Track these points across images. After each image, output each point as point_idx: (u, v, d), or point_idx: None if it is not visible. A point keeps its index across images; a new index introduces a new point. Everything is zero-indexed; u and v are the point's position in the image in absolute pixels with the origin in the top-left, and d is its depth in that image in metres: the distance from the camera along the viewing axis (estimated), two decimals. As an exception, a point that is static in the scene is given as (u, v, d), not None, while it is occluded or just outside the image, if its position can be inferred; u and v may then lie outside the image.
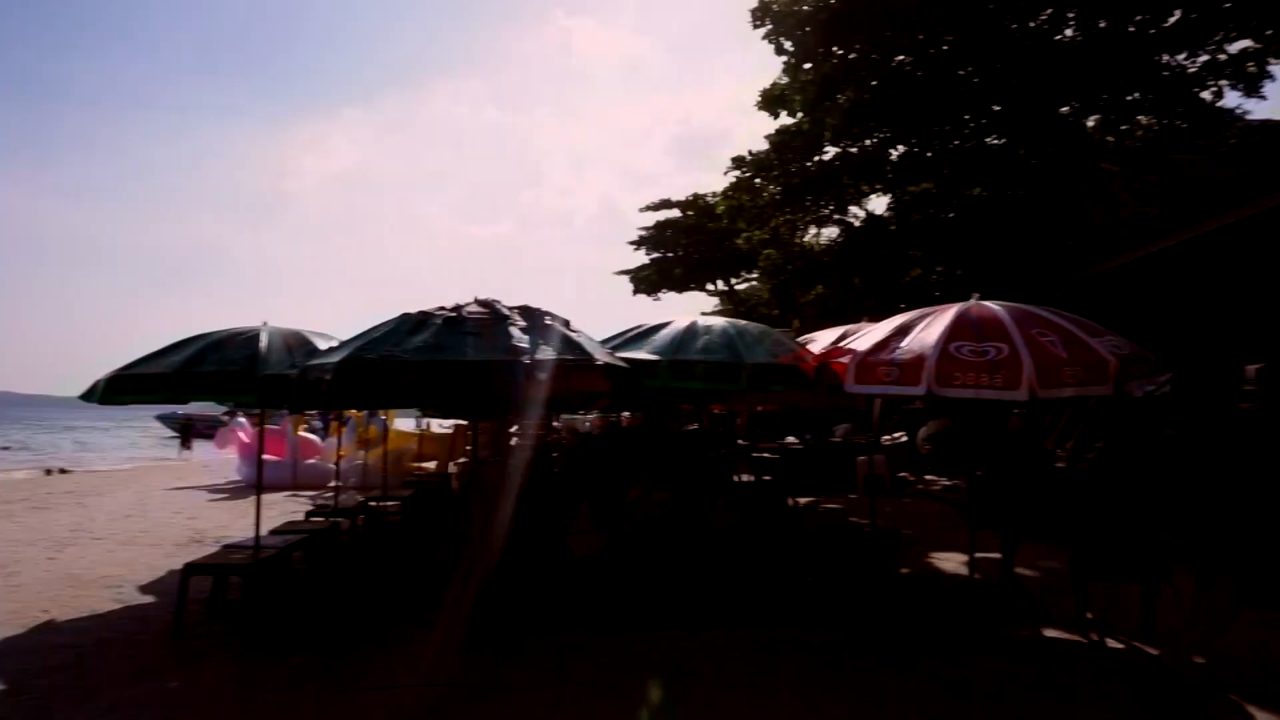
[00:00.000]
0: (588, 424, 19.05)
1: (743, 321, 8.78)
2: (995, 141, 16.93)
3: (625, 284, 33.87)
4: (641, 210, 32.86)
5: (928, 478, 15.24)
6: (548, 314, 7.18)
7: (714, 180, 45.94)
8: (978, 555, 7.01)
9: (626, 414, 15.81)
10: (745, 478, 11.52)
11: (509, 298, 7.18)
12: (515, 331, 6.55)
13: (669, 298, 34.46)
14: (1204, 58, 16.55)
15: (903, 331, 6.55)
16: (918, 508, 12.62)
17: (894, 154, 18.34)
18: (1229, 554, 4.87)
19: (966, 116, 16.80)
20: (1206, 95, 16.48)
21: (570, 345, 6.66)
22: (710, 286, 34.22)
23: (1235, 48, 16.90)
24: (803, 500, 9.12)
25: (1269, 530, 5.33)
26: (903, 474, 15.15)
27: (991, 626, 6.31)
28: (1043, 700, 4.97)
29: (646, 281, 32.77)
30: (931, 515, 11.54)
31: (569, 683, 5.45)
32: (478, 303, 7.03)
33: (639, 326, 8.24)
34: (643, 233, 32.68)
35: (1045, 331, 5.86)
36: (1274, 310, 9.92)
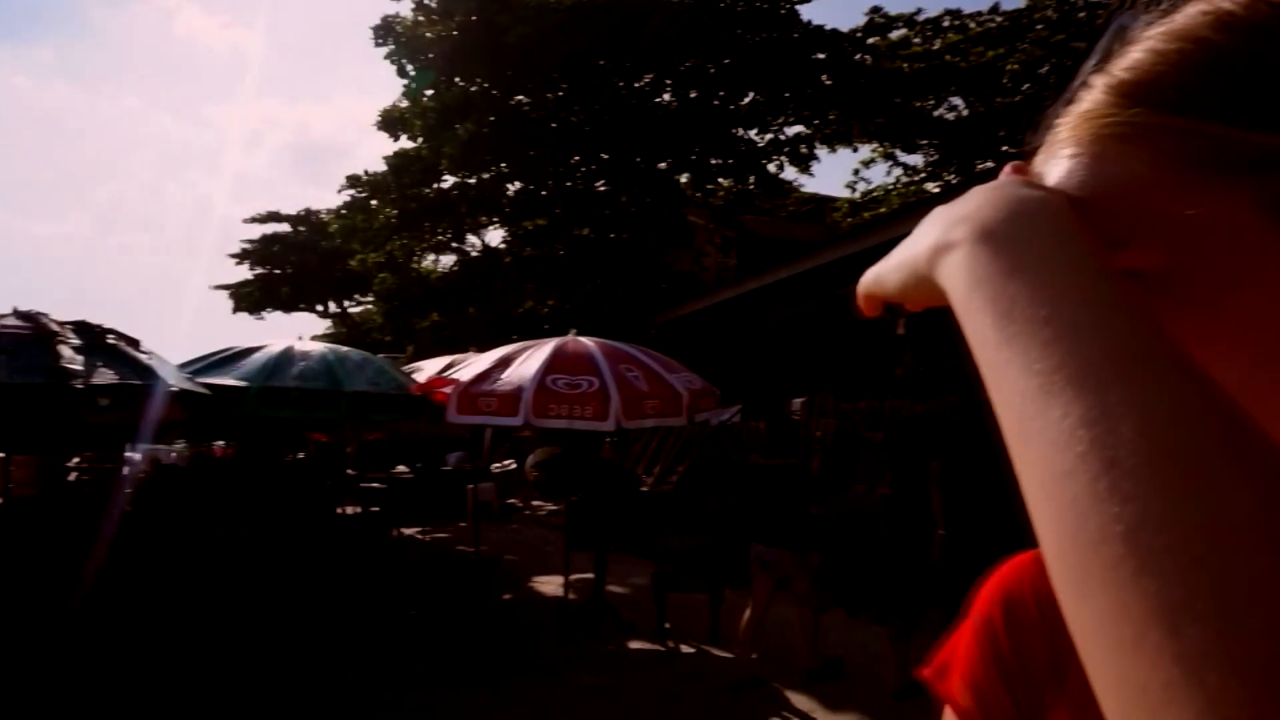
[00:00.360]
0: (174, 454, 16.96)
1: (344, 348, 8.46)
2: (603, 187, 18.30)
3: (225, 300, 30.99)
4: (246, 221, 30.40)
5: (535, 503, 15.82)
6: (111, 331, 6.31)
7: (329, 196, 43.93)
8: (575, 577, 7.39)
9: (220, 444, 14.36)
10: (351, 509, 11.05)
11: (78, 310, 6.18)
12: (65, 351, 5.65)
13: (275, 318, 32.23)
14: (769, 136, 19.47)
15: (504, 364, 6.77)
16: (524, 533, 13.03)
17: (511, 189, 19.01)
18: (807, 562, 5.66)
19: (577, 160, 17.97)
20: (772, 167, 19.41)
21: (135, 368, 5.92)
22: (321, 308, 32.54)
23: (792, 131, 20.15)
24: (410, 530, 8.95)
25: (837, 540, 6.30)
26: (511, 500, 15.56)
27: (582, 643, 6.67)
28: (618, 706, 5.34)
29: (249, 299, 30.24)
30: (537, 540, 11.98)
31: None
32: (17, 315, 5.95)
33: (229, 349, 7.59)
34: (247, 245, 30.17)
35: (631, 367, 6.41)
36: (812, 353, 11.82)
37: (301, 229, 29.70)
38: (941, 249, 0.39)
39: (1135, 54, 0.44)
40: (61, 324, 5.97)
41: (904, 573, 5.45)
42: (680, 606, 6.85)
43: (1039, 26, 21.88)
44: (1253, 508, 0.27)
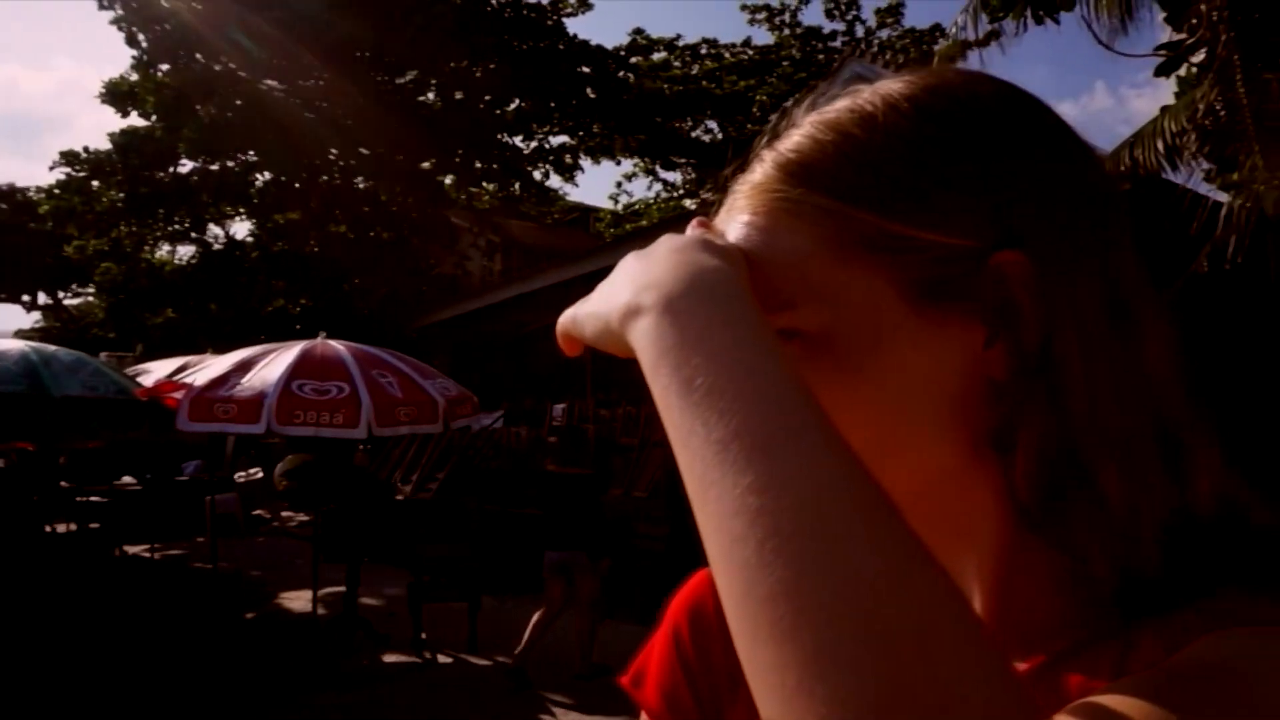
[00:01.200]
0: None
1: (51, 347, 7.58)
2: (362, 183, 17.61)
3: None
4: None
5: (284, 514, 14.88)
6: None
7: (38, 172, 38.80)
8: (326, 590, 7.08)
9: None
10: (64, 527, 9.84)
11: None
12: None
13: (-33, 308, 27.90)
14: (535, 143, 19.68)
15: (245, 367, 6.38)
16: (273, 546, 12.23)
17: (260, 179, 17.79)
18: (599, 568, 5.78)
19: (335, 154, 17.17)
20: (537, 174, 19.62)
21: None
22: (28, 298, 28.62)
23: (557, 140, 20.50)
24: (137, 548, 8.14)
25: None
26: (258, 512, 14.54)
27: (332, 660, 6.41)
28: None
29: (-63, 287, 26.03)
30: (286, 553, 11.30)
31: None
32: None
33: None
34: (-69, 223, 25.91)
35: (384, 373, 6.28)
36: (573, 360, 12.09)
37: (4, 207, 25.96)
38: (632, 313, 0.42)
39: (798, 137, 0.51)
40: None
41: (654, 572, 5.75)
42: (438, 616, 6.78)
43: (785, 63, 23.82)
44: (882, 569, 0.32)
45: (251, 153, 16.92)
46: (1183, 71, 5.83)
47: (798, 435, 0.35)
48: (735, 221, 0.50)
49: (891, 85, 0.50)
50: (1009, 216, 0.46)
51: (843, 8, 23.77)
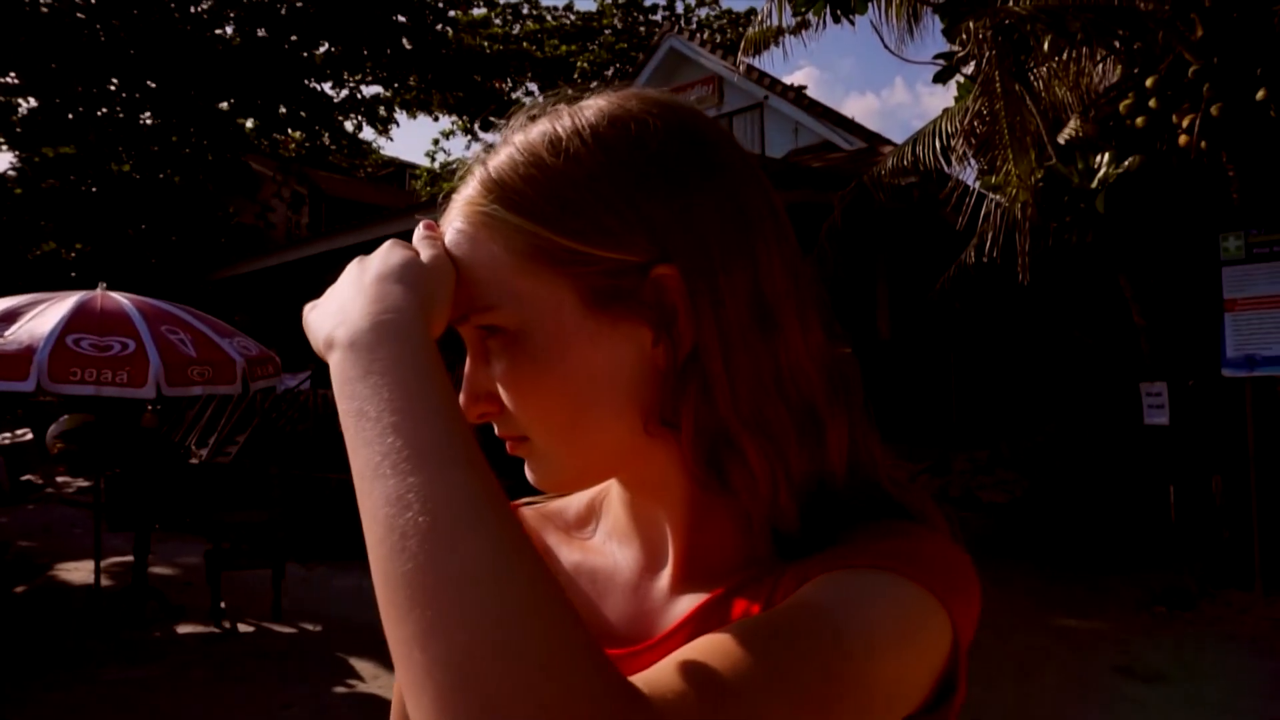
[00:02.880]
0: None
1: None
2: (149, 119, 16.16)
3: None
4: None
5: (60, 480, 13.68)
6: None
7: None
8: (111, 560, 6.67)
9: None
10: None
11: None
12: None
13: None
14: (345, 92, 18.76)
15: (9, 318, 5.84)
16: (46, 514, 11.27)
17: (23, 105, 15.92)
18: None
19: (116, 84, 15.63)
20: (349, 125, 18.72)
21: None
22: None
23: (370, 91, 19.63)
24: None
25: None
26: (28, 477, 13.29)
27: (120, 634, 6.09)
28: (168, 694, 5.04)
29: None
30: (62, 522, 10.44)
31: None
32: None
33: None
34: None
35: (175, 329, 5.95)
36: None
37: None
38: (328, 345, 0.52)
39: (501, 155, 0.59)
40: None
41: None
42: (239, 585, 6.57)
43: (606, 31, 23.93)
44: (482, 562, 0.41)
45: (13, 74, 15.10)
46: (960, 79, 6.50)
47: (433, 456, 0.44)
48: (450, 228, 0.59)
49: (584, 113, 0.59)
50: (664, 236, 0.55)
51: (664, -20, 24.24)
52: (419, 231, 0.60)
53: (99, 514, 6.77)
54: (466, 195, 0.59)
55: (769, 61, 11.47)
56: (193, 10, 16.58)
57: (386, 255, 0.57)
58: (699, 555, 0.62)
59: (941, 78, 6.08)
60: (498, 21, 23.73)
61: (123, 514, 6.80)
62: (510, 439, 0.60)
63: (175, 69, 15.19)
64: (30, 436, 14.11)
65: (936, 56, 6.20)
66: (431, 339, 0.52)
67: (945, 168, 6.89)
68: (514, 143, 0.59)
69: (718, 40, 20.96)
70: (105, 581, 6.52)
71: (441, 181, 24.25)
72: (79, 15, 14.99)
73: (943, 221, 6.84)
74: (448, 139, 49.05)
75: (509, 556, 0.42)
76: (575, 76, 23.84)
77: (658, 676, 0.45)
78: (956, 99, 6.66)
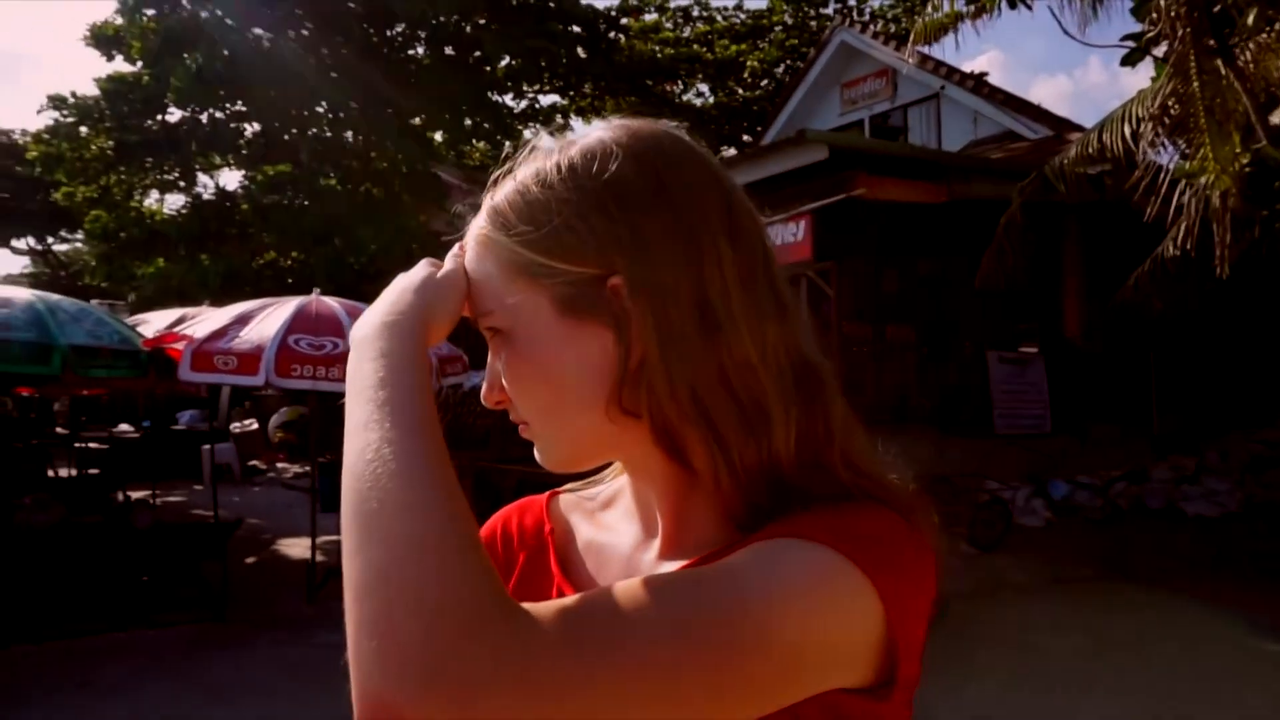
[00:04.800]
0: None
1: (55, 295, 7.77)
2: (352, 138, 17.59)
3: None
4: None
5: (280, 465, 15.15)
6: None
7: (27, 115, 37.95)
8: (325, 539, 7.40)
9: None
10: (67, 472, 10.09)
11: None
12: None
13: (-47, 253, 27.64)
14: (525, 102, 19.68)
15: (243, 321, 6.63)
16: (269, 496, 12.51)
17: (248, 130, 17.74)
18: None
19: (324, 107, 17.13)
20: (528, 134, 19.62)
21: None
22: (18, 244, 28.38)
23: (547, 100, 20.50)
24: (137, 494, 8.43)
25: None
26: (253, 462, 14.81)
27: (328, 603, 6.76)
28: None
29: (-79, 227, 25.73)
30: (282, 503, 11.59)
31: None
32: None
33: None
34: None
35: (375, 329, 6.59)
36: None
37: (-12, 150, 25.61)
38: (352, 337, 0.65)
39: (507, 188, 0.69)
40: None
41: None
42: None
43: (777, 29, 23.71)
44: (405, 499, 0.52)
45: (240, 103, 16.85)
46: (1154, 58, 6.09)
47: (393, 422, 0.56)
48: (468, 247, 0.71)
49: (571, 146, 0.68)
50: (614, 251, 0.63)
51: (836, -27, 23.61)
52: (451, 252, 0.73)
53: (314, 496, 7.54)
54: (478, 220, 0.71)
55: (948, 49, 11.09)
56: (388, 33, 17.93)
57: (413, 271, 0.70)
58: (682, 529, 0.69)
59: (1130, 60, 5.72)
60: (668, 25, 24.04)
61: (334, 496, 7.51)
62: (519, 423, 0.71)
63: (374, 90, 16.48)
64: (256, 426, 15.71)
65: (1125, 38, 5.84)
66: (424, 337, 0.64)
67: (1136, 155, 6.47)
68: (514, 175, 0.70)
69: (892, 30, 20.29)
70: (319, 557, 7.26)
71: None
72: (293, 46, 16.56)
73: (1135, 213, 6.43)
74: None
75: (425, 496, 0.52)
76: (745, 76, 23.80)
77: (557, 603, 0.53)
78: (1153, 79, 6.24)
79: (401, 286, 0.68)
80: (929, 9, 8.62)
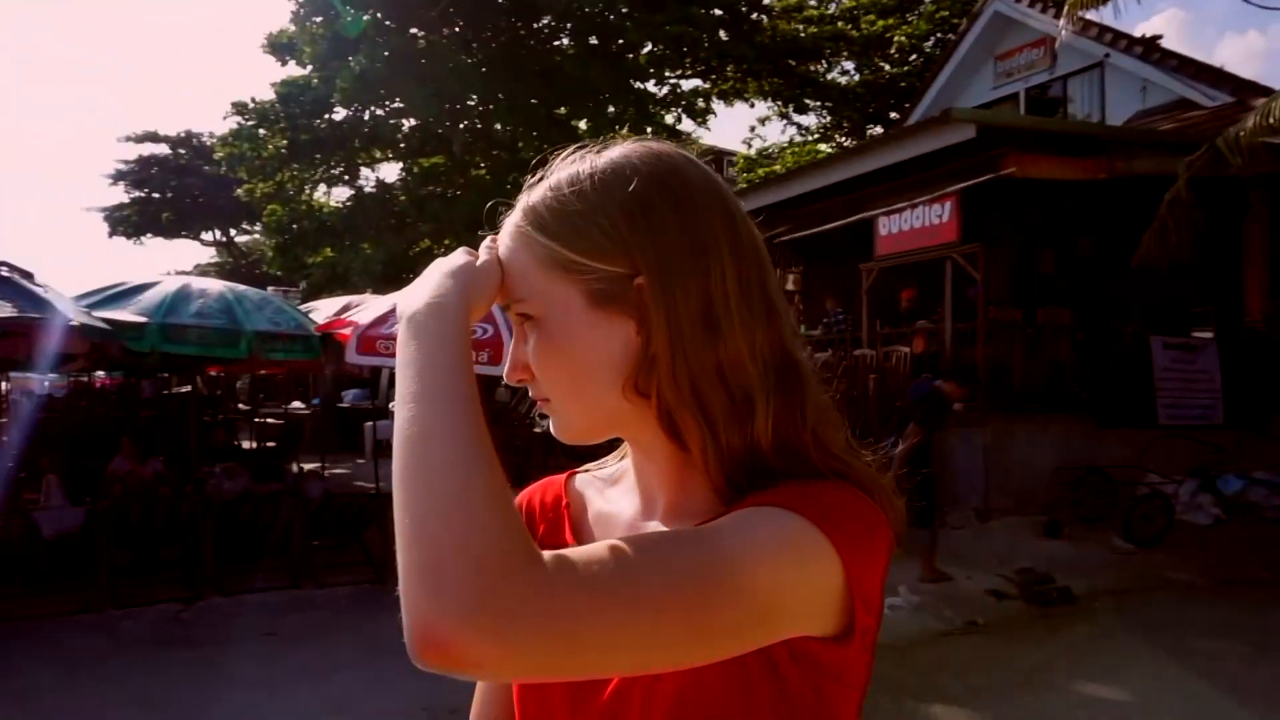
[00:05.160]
0: (46, 384, 16.33)
1: (241, 286, 8.53)
2: (500, 129, 18.26)
3: (98, 223, 29.16)
4: (122, 141, 28.52)
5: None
6: (3, 264, 6.34)
7: (212, 120, 41.55)
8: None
9: (101, 374, 13.99)
10: (248, 444, 11.10)
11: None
12: (-37, 284, 5.68)
13: (155, 244, 30.68)
14: (667, 88, 19.79)
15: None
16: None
17: (406, 125, 18.72)
18: None
19: (474, 100, 17.85)
20: (669, 119, 19.76)
21: (32, 301, 6.01)
22: (206, 236, 31.11)
23: (689, 85, 20.53)
24: (309, 466, 9.18)
25: None
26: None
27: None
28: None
29: (127, 223, 28.60)
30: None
31: (54, 665, 5.03)
32: (-93, 245, 5.90)
33: (121, 284, 7.58)
34: (122, 166, 28.42)
35: (525, 316, 6.87)
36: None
37: (182, 151, 28.15)
38: (399, 316, 0.71)
39: (538, 189, 0.77)
40: (-45, 257, 5.96)
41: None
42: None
43: (926, 1, 22.76)
44: (446, 463, 0.60)
45: (399, 100, 17.80)
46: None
47: (436, 395, 0.64)
48: (501, 242, 0.79)
49: (598, 159, 0.76)
50: (640, 255, 0.72)
51: (989, -61, 22.51)
52: (484, 243, 0.80)
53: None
54: (513, 218, 0.79)
55: (1116, 12, 10.28)
56: (534, 26, 18.46)
57: (451, 258, 0.77)
58: (678, 502, 0.78)
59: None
60: (812, 3, 23.50)
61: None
62: (539, 399, 0.79)
63: (521, 82, 17.04)
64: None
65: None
66: (466, 319, 0.71)
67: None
68: (548, 180, 0.78)
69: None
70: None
71: (758, 167, 24.68)
72: (446, 44, 17.32)
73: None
74: (763, 125, 49.53)
75: (466, 457, 0.61)
76: (893, 52, 22.99)
77: (572, 551, 0.62)
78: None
79: (443, 271, 0.74)
80: None
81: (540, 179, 0.79)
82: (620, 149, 0.78)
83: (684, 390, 0.72)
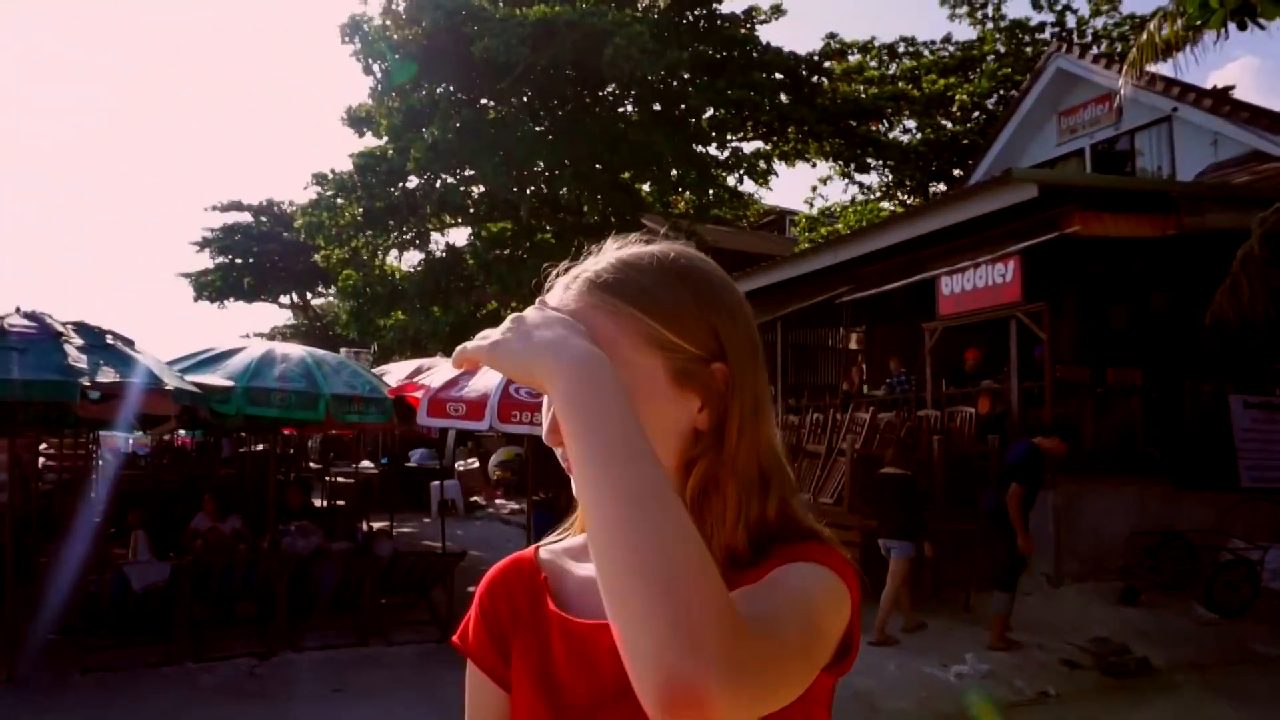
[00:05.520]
0: (130, 442, 17.10)
1: (321, 351, 8.89)
2: (566, 194, 18.77)
3: (186, 288, 30.61)
4: (209, 210, 30.08)
5: (498, 501, 16.25)
6: (109, 332, 6.76)
7: (291, 189, 43.54)
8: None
9: (182, 432, 14.62)
10: (320, 502, 11.42)
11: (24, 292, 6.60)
12: (71, 350, 6.08)
13: (236, 307, 32.01)
14: (728, 151, 20.14)
15: (471, 371, 7.28)
16: (488, 530, 13.45)
17: (475, 191, 19.38)
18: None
19: (541, 166, 18.42)
20: (731, 180, 20.08)
21: (133, 367, 6.38)
22: (284, 300, 32.40)
23: (750, 147, 20.85)
24: (379, 524, 9.40)
25: None
26: (474, 498, 15.99)
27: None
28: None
29: (211, 287, 30.04)
30: (500, 537, 12.44)
31: (137, 716, 5.23)
32: (22, 315, 6.36)
33: (210, 350, 7.99)
34: (208, 234, 29.96)
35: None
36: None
37: (264, 219, 29.56)
38: (555, 365, 0.72)
39: (611, 265, 0.84)
40: (64, 324, 6.39)
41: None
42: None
43: (989, 59, 22.77)
44: (673, 530, 0.64)
45: (469, 168, 18.47)
46: None
47: (643, 455, 0.67)
48: (574, 308, 0.83)
49: (656, 248, 0.87)
50: (722, 341, 0.83)
51: (1051, -3, 22.10)
52: (540, 309, 0.81)
53: (529, 531, 8.11)
54: (579, 290, 0.84)
55: (1175, 67, 10.14)
56: (600, 94, 19.05)
57: (550, 314, 0.79)
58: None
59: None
60: (873, 64, 23.73)
61: (547, 531, 8.06)
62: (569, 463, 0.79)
63: (586, 148, 17.55)
64: (477, 465, 16.94)
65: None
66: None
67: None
68: (617, 257, 0.86)
69: (1119, 50, 18.92)
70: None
71: (820, 226, 24.75)
72: (514, 113, 17.99)
73: None
74: (825, 184, 49.48)
75: (689, 524, 0.66)
76: (954, 110, 23.02)
77: (738, 601, 0.67)
78: None
79: (566, 329, 0.76)
80: (1151, 28, 8.09)
81: (602, 255, 0.88)
82: (667, 245, 0.89)
83: (738, 466, 0.82)
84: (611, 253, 0.87)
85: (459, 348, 0.82)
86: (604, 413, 0.69)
